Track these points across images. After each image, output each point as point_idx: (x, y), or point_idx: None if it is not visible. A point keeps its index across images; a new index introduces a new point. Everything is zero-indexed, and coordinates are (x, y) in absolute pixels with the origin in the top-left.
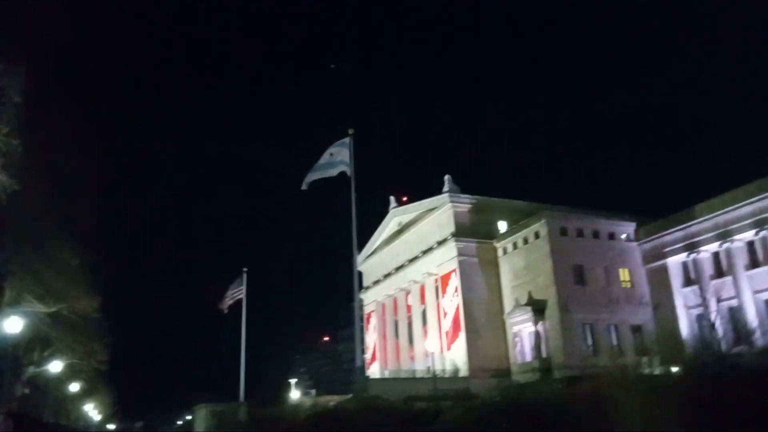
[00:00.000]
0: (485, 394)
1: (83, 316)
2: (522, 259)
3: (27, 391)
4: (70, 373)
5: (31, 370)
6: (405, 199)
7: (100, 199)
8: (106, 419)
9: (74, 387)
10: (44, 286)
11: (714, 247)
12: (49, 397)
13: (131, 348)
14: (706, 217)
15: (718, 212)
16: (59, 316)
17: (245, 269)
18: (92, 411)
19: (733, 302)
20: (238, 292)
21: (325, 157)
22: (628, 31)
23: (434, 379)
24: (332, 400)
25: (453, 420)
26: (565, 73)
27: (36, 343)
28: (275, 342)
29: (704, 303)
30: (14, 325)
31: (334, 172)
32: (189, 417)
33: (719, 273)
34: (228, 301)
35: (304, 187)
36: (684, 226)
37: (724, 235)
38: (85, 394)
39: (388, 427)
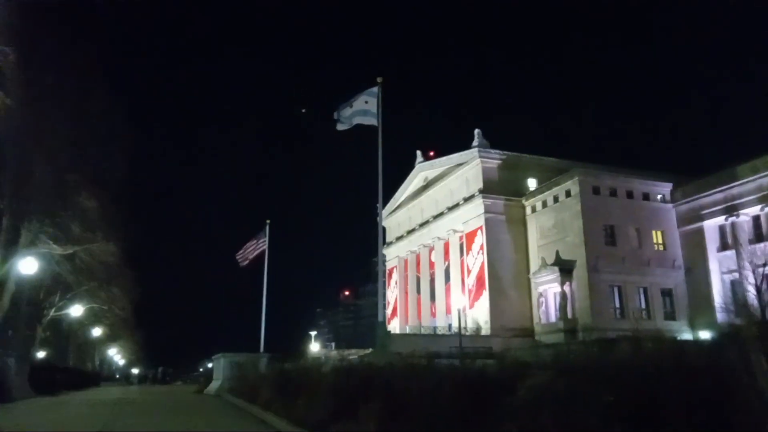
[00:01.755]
0: (529, 355)
1: (102, 262)
2: (551, 217)
3: (48, 334)
4: (92, 319)
5: (51, 313)
6: (432, 153)
7: (124, 145)
8: (130, 364)
9: (97, 332)
10: (60, 228)
11: (755, 210)
12: (72, 341)
13: (155, 297)
14: (749, 178)
15: (762, 174)
16: (77, 259)
17: (268, 221)
18: (116, 356)
19: None
20: (261, 244)
21: (360, 103)
22: None
23: (459, 336)
24: (352, 354)
25: (541, 388)
26: (603, 26)
27: (56, 288)
28: (296, 295)
29: (740, 269)
30: (29, 266)
31: (368, 120)
32: (210, 365)
33: (759, 238)
34: (249, 254)
35: (343, 127)
36: (724, 187)
37: (767, 198)
38: (108, 339)
39: (442, 396)
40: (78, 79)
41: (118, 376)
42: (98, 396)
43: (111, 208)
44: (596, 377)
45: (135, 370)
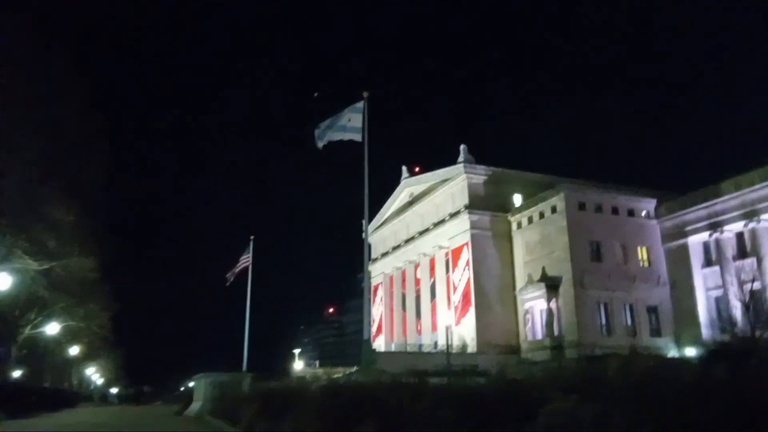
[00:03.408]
0: (520, 373)
1: (79, 277)
2: (537, 233)
3: (24, 352)
4: (70, 337)
5: (27, 331)
6: (418, 169)
7: (104, 160)
8: (109, 383)
9: (74, 350)
10: (35, 243)
11: (738, 226)
12: (49, 360)
13: (135, 313)
14: (732, 195)
15: (745, 190)
16: (53, 275)
17: (252, 237)
18: (94, 375)
19: (756, 285)
20: (244, 260)
21: (343, 120)
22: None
23: (447, 354)
24: (338, 372)
25: (565, 415)
26: (588, 41)
27: (32, 304)
28: (280, 312)
29: (725, 285)
30: (3, 281)
31: (349, 136)
32: (191, 384)
33: (742, 254)
34: (234, 272)
35: (321, 144)
36: (708, 204)
37: (751, 215)
38: (86, 358)
39: (443, 419)
40: (52, 88)
41: (96, 397)
42: (75, 419)
43: (88, 222)
44: (629, 402)
45: (114, 390)
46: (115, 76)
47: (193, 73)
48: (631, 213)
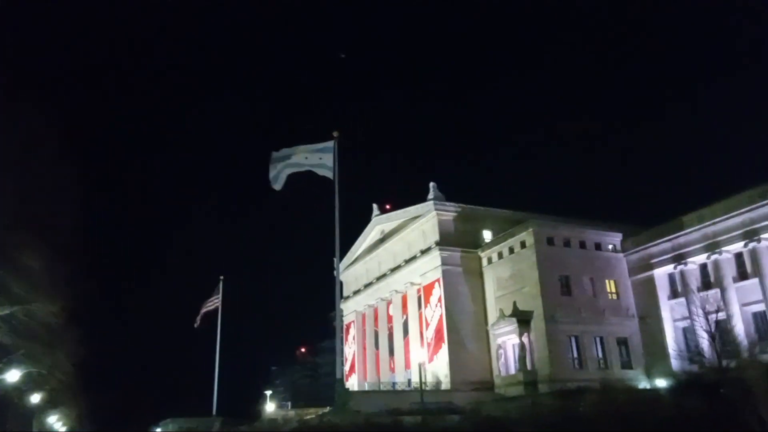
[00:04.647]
0: (495, 410)
1: (44, 324)
2: (507, 269)
3: None
4: (32, 384)
5: None
6: (388, 207)
7: (69, 203)
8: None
9: (35, 398)
10: None
11: (702, 258)
12: (9, 408)
13: (102, 356)
14: (695, 227)
15: (707, 223)
16: (16, 321)
17: (222, 277)
18: (57, 423)
19: (721, 315)
20: (213, 301)
21: (312, 158)
22: (623, 32)
23: (421, 392)
24: (310, 413)
25: None
26: (556, 77)
27: None
28: (251, 353)
29: (691, 316)
30: None
31: (323, 172)
32: (158, 431)
33: (707, 285)
34: (202, 312)
35: (278, 186)
36: (671, 237)
37: (713, 247)
38: (48, 406)
39: None
40: (25, 132)
41: None
42: None
43: (59, 266)
44: None
45: None
46: (90, 120)
47: (164, 113)
48: (598, 247)
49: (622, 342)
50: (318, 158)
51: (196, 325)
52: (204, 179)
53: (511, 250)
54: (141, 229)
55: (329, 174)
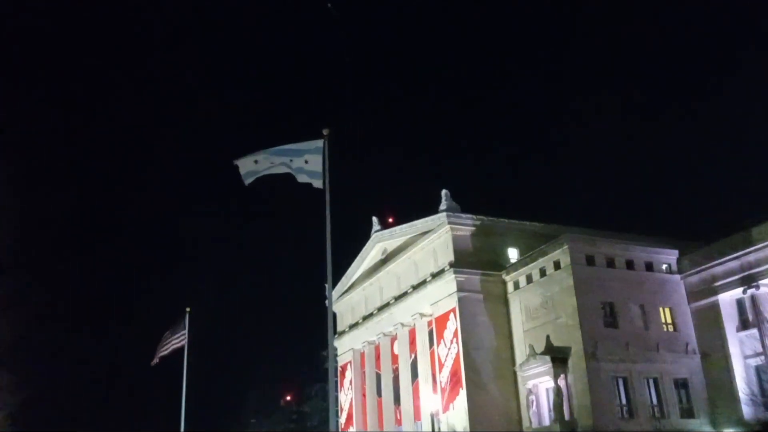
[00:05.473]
0: None
1: None
2: (538, 295)
3: None
4: None
5: None
6: (391, 220)
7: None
8: None
9: None
10: None
11: None
12: None
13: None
14: None
15: None
16: None
17: (188, 309)
18: None
19: None
20: (177, 339)
21: (297, 161)
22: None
23: None
24: None
25: None
26: (588, 65)
27: None
28: (226, 401)
29: (765, 351)
30: None
31: (306, 179)
32: None
33: None
34: (163, 351)
35: (249, 181)
36: (739, 253)
37: None
38: None
39: None
40: None
41: None
42: None
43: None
44: None
45: None
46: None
47: (135, 133)
48: (649, 267)
49: (681, 384)
50: (303, 161)
51: (153, 364)
52: (167, 181)
53: (543, 272)
54: (99, 241)
55: (316, 181)
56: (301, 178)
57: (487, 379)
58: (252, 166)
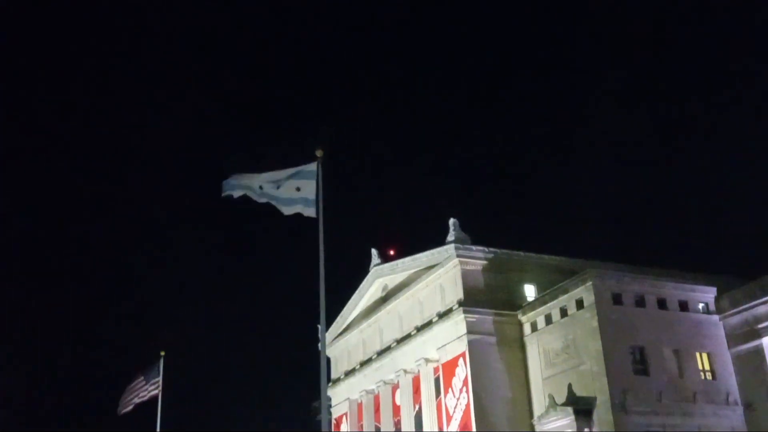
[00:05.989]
0: None
1: None
2: (559, 337)
3: None
4: None
5: None
6: (392, 253)
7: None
8: None
9: None
10: None
11: None
12: None
13: None
14: None
15: None
16: None
17: (163, 353)
18: None
19: None
20: (151, 386)
21: (288, 189)
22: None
23: None
24: None
25: None
26: (615, 78)
27: None
28: None
29: None
30: None
31: (298, 209)
32: None
33: None
34: (134, 399)
35: (226, 193)
36: None
37: None
38: None
39: None
40: None
41: None
42: None
43: None
44: None
45: None
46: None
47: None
48: (684, 307)
49: None
50: (294, 188)
51: (120, 413)
52: (139, 204)
53: (564, 312)
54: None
55: (308, 209)
56: (289, 210)
57: None
58: (234, 183)
